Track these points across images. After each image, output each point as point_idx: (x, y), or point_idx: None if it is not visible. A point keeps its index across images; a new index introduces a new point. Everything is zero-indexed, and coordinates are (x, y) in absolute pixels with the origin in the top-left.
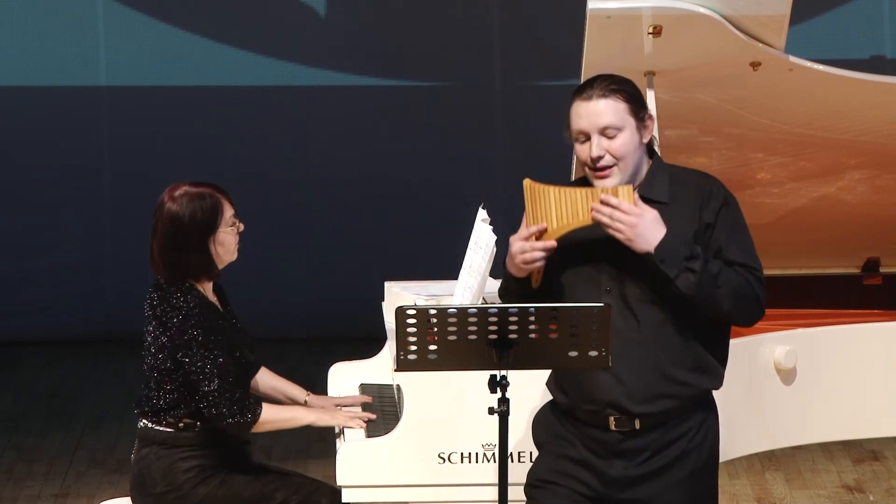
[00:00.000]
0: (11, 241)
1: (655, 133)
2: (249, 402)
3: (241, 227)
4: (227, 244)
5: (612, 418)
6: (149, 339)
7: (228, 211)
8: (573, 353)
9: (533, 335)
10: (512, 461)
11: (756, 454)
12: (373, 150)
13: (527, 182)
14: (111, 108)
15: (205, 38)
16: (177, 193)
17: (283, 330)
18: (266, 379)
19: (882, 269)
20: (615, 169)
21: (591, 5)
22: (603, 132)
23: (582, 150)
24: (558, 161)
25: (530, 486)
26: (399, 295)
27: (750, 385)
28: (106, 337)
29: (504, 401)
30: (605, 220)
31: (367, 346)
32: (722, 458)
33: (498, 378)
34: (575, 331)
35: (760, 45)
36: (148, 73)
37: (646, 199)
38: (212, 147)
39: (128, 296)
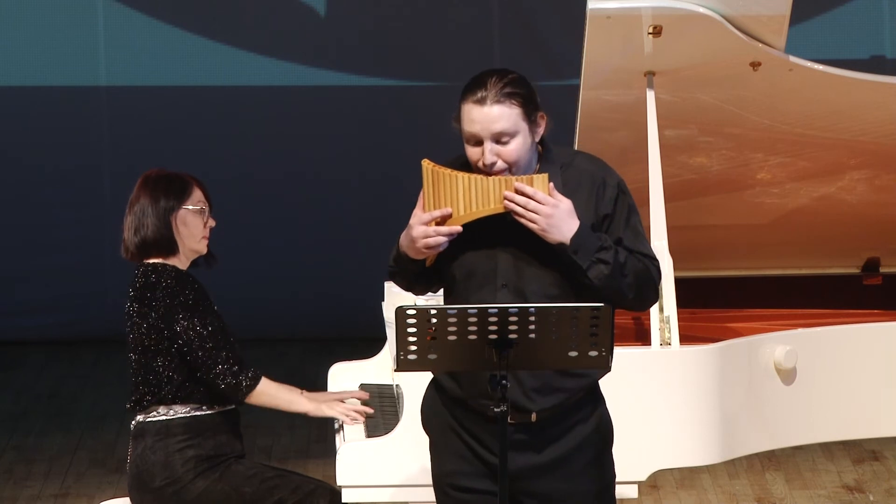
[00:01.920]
0: (11, 241)
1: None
2: (247, 367)
3: (213, 222)
4: (190, 226)
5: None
6: (132, 324)
7: (197, 195)
8: (573, 353)
9: (533, 335)
10: None
11: (756, 454)
12: (372, 149)
13: (427, 165)
14: (111, 108)
15: (205, 38)
16: (152, 174)
17: (283, 330)
18: None
19: (882, 269)
20: (506, 172)
21: (591, 5)
22: (496, 139)
23: (473, 153)
24: None
25: (444, 493)
26: (399, 295)
27: (750, 385)
28: (106, 337)
29: (504, 401)
30: (519, 209)
31: (367, 346)
32: (722, 459)
33: (498, 378)
34: (575, 331)
35: (760, 45)
36: (148, 73)
37: None
38: (212, 147)
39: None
